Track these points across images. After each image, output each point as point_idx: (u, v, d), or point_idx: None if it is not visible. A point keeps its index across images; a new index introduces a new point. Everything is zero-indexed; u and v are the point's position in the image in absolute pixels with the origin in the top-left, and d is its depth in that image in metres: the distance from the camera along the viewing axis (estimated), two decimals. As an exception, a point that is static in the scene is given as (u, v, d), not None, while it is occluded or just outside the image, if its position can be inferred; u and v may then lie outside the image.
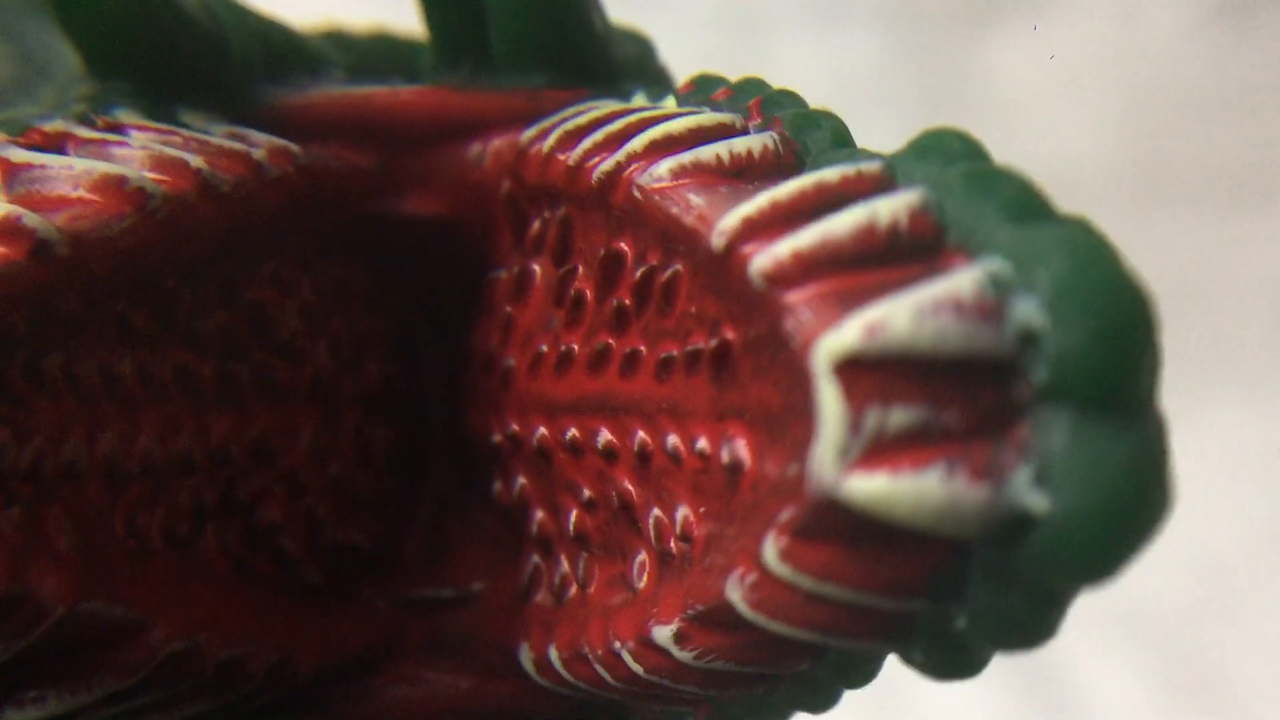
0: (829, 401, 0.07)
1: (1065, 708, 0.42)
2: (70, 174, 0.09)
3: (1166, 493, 0.07)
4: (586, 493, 0.11)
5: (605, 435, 0.10)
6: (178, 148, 0.10)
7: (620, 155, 0.10)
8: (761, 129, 0.10)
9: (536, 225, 0.11)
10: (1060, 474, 0.07)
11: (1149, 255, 0.52)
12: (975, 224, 0.08)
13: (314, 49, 0.12)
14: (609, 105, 0.11)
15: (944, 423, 0.07)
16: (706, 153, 0.09)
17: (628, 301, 0.10)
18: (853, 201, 0.08)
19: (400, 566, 0.12)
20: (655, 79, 0.12)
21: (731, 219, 0.08)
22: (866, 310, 0.07)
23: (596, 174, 0.10)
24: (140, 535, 0.11)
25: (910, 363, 0.07)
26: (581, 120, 0.10)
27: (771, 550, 0.08)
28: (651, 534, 0.10)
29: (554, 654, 0.11)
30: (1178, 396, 0.47)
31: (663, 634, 0.09)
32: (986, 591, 0.07)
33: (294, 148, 0.11)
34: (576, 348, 0.11)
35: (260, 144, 0.11)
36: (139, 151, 0.10)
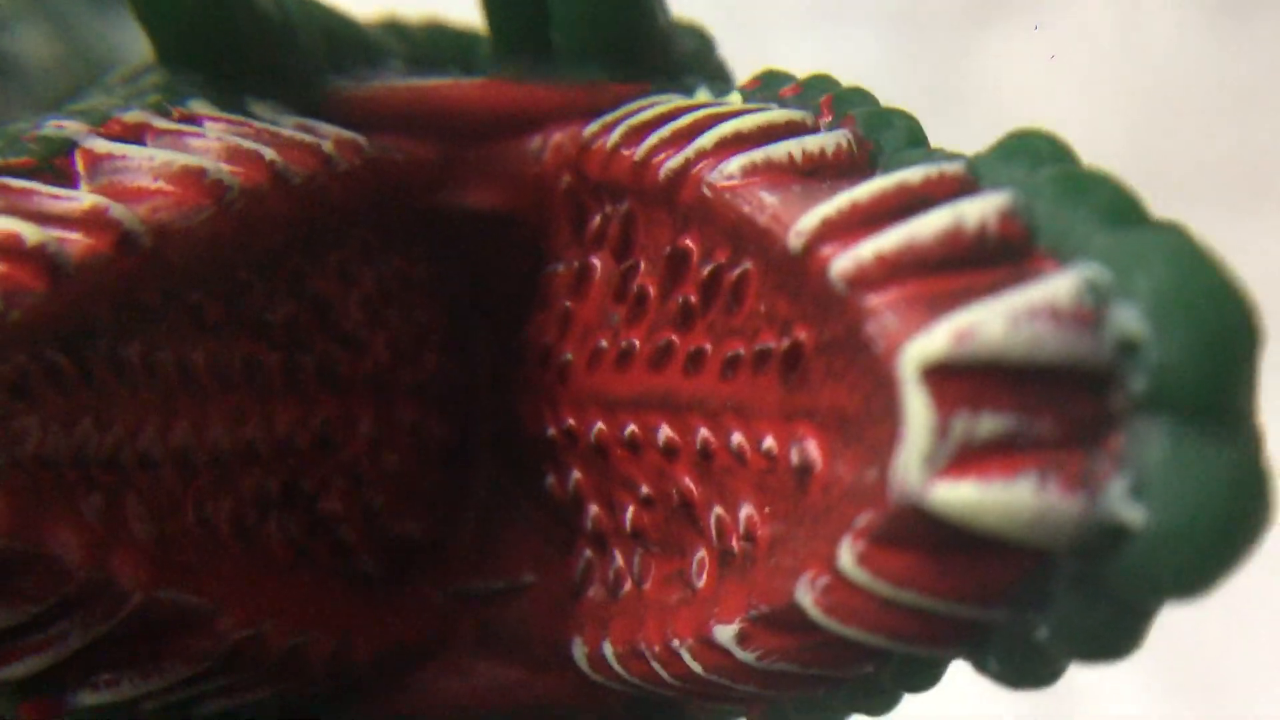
0: (915, 407, 0.07)
1: (1064, 706, 0.42)
2: (151, 165, 0.10)
3: (1268, 507, 0.07)
4: (645, 489, 0.11)
5: (666, 432, 0.10)
6: (252, 139, 0.10)
7: (689, 151, 0.10)
8: (833, 127, 0.10)
9: (597, 220, 0.11)
10: (1158, 486, 0.07)
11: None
12: (1067, 228, 0.07)
13: (374, 40, 0.12)
14: (674, 100, 0.11)
15: (1036, 431, 0.07)
16: (778, 150, 0.09)
17: (693, 299, 0.10)
18: (936, 203, 0.08)
19: (450, 558, 0.12)
20: (716, 74, 0.12)
21: (810, 219, 0.08)
22: (955, 315, 0.07)
23: (664, 170, 0.10)
24: (209, 524, 0.11)
25: (1002, 370, 0.07)
26: (647, 115, 0.10)
27: (848, 555, 0.07)
28: (713, 532, 0.10)
29: (609, 649, 0.11)
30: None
31: (724, 633, 0.09)
32: (1072, 602, 0.07)
33: (361, 140, 0.11)
34: (638, 344, 0.11)
35: (328, 136, 0.11)
36: (215, 143, 0.10)
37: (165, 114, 0.11)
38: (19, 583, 0.09)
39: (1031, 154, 0.08)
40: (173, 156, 0.10)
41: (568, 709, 0.11)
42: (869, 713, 0.10)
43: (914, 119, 0.10)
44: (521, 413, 0.12)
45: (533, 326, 0.12)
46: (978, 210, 0.08)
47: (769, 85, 0.11)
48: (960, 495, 0.07)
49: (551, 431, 0.12)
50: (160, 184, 0.10)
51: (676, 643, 0.10)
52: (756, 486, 0.09)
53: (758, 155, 0.09)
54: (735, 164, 0.09)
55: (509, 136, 0.11)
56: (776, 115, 0.10)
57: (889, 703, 0.10)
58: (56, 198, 0.09)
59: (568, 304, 0.11)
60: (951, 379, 0.07)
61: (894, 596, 0.07)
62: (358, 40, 0.12)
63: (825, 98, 0.10)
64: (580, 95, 0.11)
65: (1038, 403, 0.07)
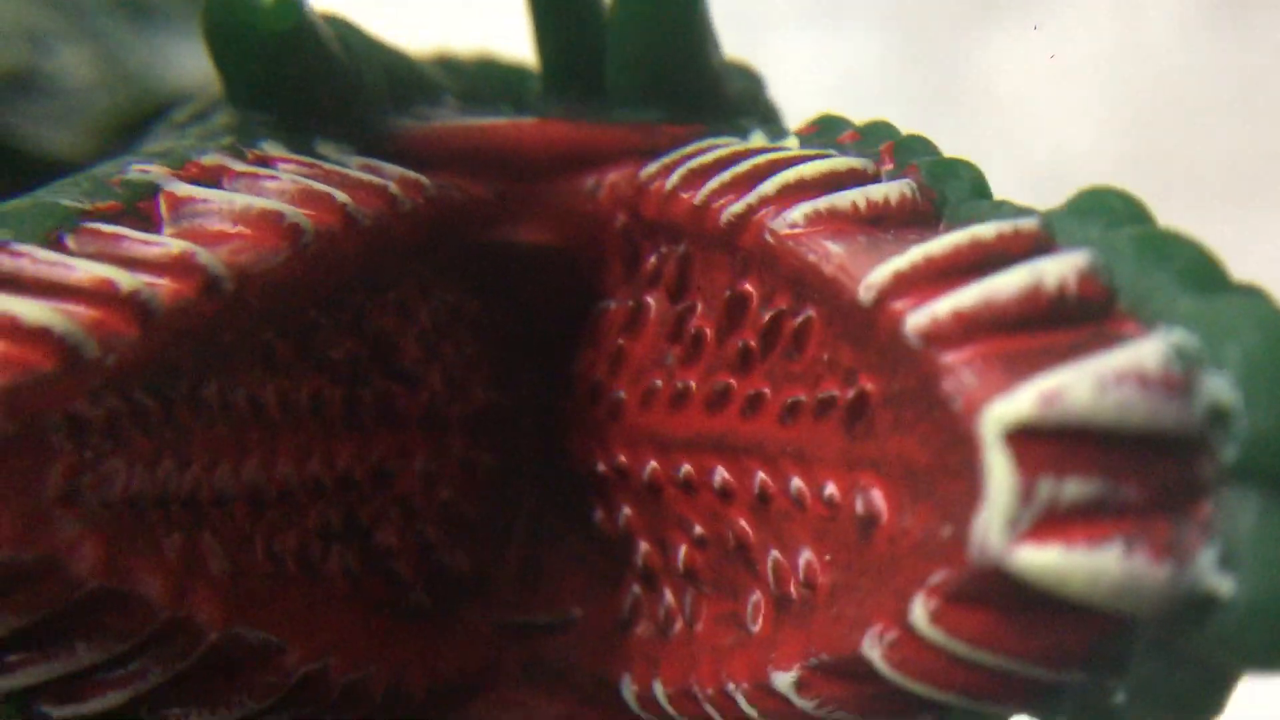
0: (998, 469, 0.07)
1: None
2: (230, 209, 0.10)
3: None
4: (698, 529, 0.11)
5: (722, 474, 0.10)
6: (322, 181, 0.10)
7: (751, 198, 0.10)
8: (895, 175, 0.10)
9: (652, 260, 0.11)
10: (1249, 557, 0.06)
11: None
12: (1149, 291, 0.07)
13: (430, 77, 0.12)
14: (731, 144, 0.11)
15: (1122, 497, 0.07)
16: (842, 199, 0.09)
17: (753, 343, 0.10)
18: (1010, 260, 0.08)
19: (497, 591, 0.12)
20: (766, 115, 0.12)
21: (882, 273, 0.08)
22: (1039, 378, 0.07)
23: (725, 215, 0.10)
24: (276, 559, 0.11)
25: (1088, 434, 0.07)
26: (706, 159, 0.10)
27: (921, 612, 0.07)
28: (770, 576, 0.10)
29: (659, 689, 0.10)
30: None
31: (783, 680, 0.09)
32: (1153, 667, 0.07)
33: (424, 180, 0.11)
34: (694, 385, 0.11)
35: (392, 176, 0.11)
36: (289, 185, 0.10)
37: (240, 156, 0.11)
38: (108, 621, 0.09)
39: (1108, 212, 0.08)
40: (250, 201, 0.10)
41: None
42: None
43: (978, 169, 0.10)
44: (569, 447, 0.12)
45: (583, 363, 0.12)
46: (1057, 269, 0.07)
47: (827, 131, 0.11)
48: (1044, 560, 0.07)
49: (602, 467, 0.12)
50: (239, 228, 0.10)
51: (731, 686, 0.10)
52: (816, 533, 0.09)
53: (821, 204, 0.09)
54: (799, 212, 0.09)
55: (564, 175, 0.12)
56: (839, 163, 0.10)
57: None
58: (146, 243, 0.10)
59: (620, 342, 0.11)
60: (1036, 442, 0.07)
61: (967, 655, 0.07)
62: (415, 78, 0.12)
63: (886, 145, 0.10)
64: (636, 136, 0.11)
65: (1125, 468, 0.07)
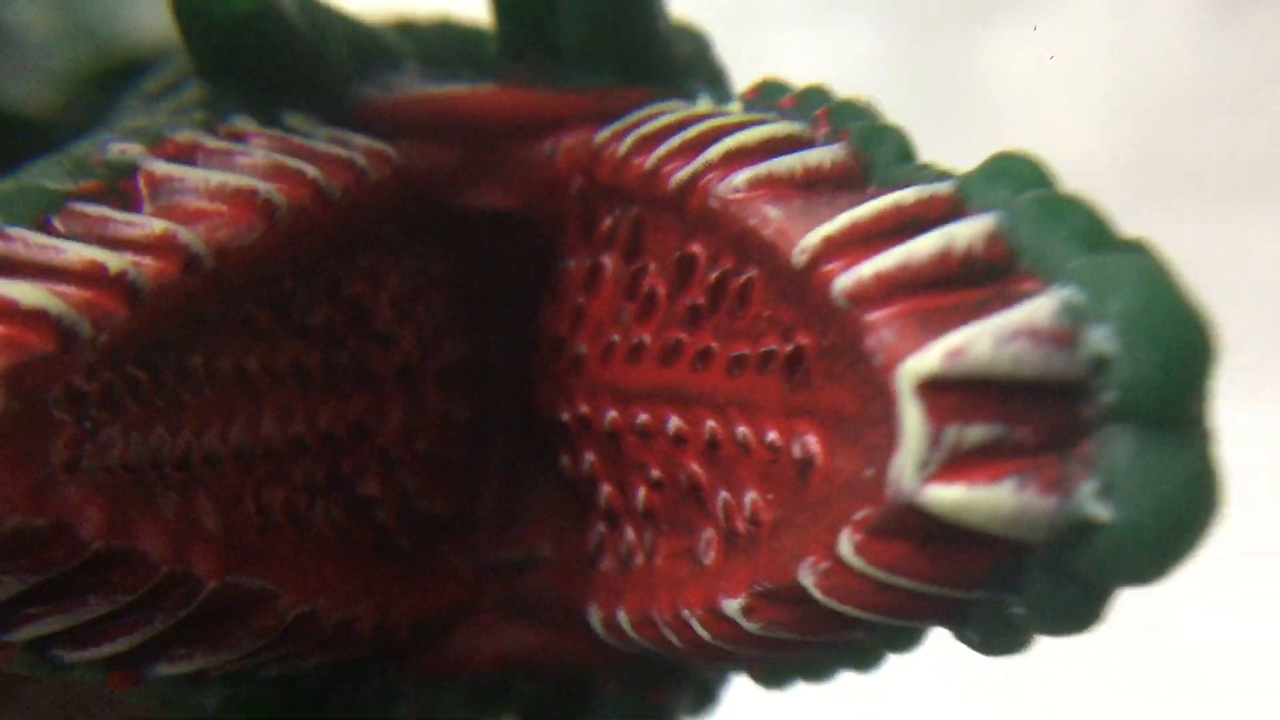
0: (911, 418, 0.08)
1: (1062, 705, 0.42)
2: (206, 187, 0.11)
3: (1218, 504, 0.08)
4: (655, 473, 0.12)
5: (675, 422, 0.11)
6: (293, 156, 0.11)
7: (697, 164, 0.10)
8: (830, 139, 0.10)
9: (608, 222, 0.12)
10: (1123, 487, 0.08)
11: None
12: (1047, 250, 0.08)
13: (391, 44, 0.13)
14: (679, 109, 0.12)
15: (1016, 439, 0.08)
16: (781, 165, 0.10)
17: (701, 301, 0.11)
18: (927, 223, 0.09)
19: (474, 532, 0.13)
20: (714, 76, 0.13)
21: (814, 238, 0.09)
22: (948, 335, 0.08)
23: (673, 181, 0.11)
24: (266, 512, 0.12)
25: (988, 384, 0.08)
26: (656, 125, 0.11)
27: (847, 544, 0.09)
28: (720, 514, 0.11)
29: (622, 617, 0.12)
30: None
31: (731, 606, 0.10)
32: (1043, 585, 0.08)
33: (389, 150, 0.12)
34: (649, 340, 0.11)
35: (359, 148, 0.12)
36: (261, 160, 0.11)
37: (213, 131, 0.11)
38: (113, 577, 0.10)
39: (1014, 176, 0.09)
40: (225, 178, 0.11)
41: (586, 666, 0.13)
42: (856, 670, 0.11)
43: (905, 134, 0.11)
44: (537, 397, 0.13)
45: (546, 318, 0.13)
46: (966, 233, 0.08)
47: (768, 95, 0.12)
48: (950, 496, 0.08)
49: (565, 416, 0.13)
50: (216, 205, 0.10)
51: (686, 613, 0.11)
52: (761, 475, 0.10)
53: (761, 169, 0.10)
54: (741, 177, 0.10)
55: (523, 140, 0.12)
56: (778, 129, 0.10)
57: (875, 663, 0.11)
58: (129, 224, 0.10)
59: (580, 299, 0.12)
60: (943, 393, 0.08)
61: (887, 580, 0.09)
62: (376, 46, 0.13)
63: (821, 110, 0.11)
64: (589, 101, 0.12)
65: (1019, 414, 0.08)
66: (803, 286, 0.09)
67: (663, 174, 0.11)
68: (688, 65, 0.13)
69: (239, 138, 0.11)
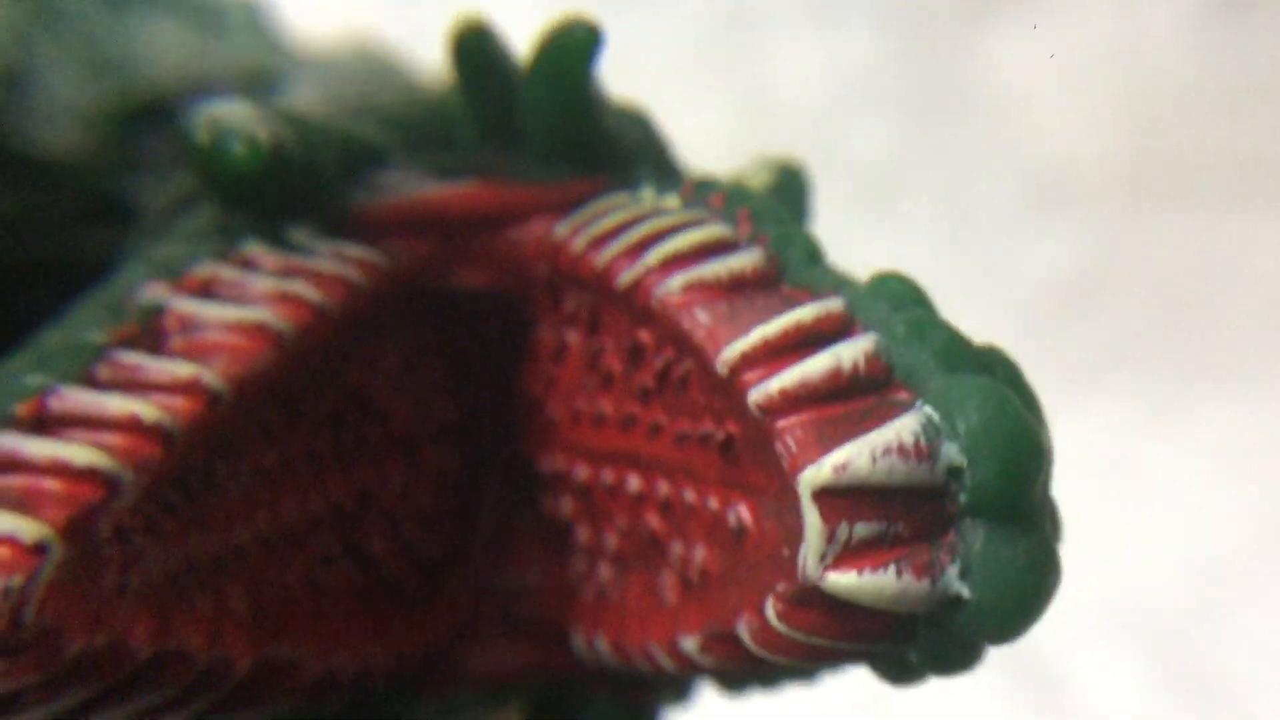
0: (811, 519, 0.10)
1: (1062, 706, 0.42)
2: (223, 322, 0.12)
3: (1056, 579, 0.10)
4: (621, 522, 0.13)
5: (635, 482, 0.13)
6: (297, 278, 0.13)
7: (639, 268, 0.12)
8: (750, 241, 0.12)
9: (570, 303, 0.14)
10: (978, 570, 0.10)
11: (1148, 253, 0.52)
12: (914, 367, 0.10)
13: (374, 144, 0.15)
14: (627, 205, 0.13)
15: (895, 532, 0.10)
16: (709, 271, 0.12)
17: (650, 383, 0.13)
18: (824, 338, 0.11)
19: (470, 565, 0.15)
20: (657, 156, 0.15)
21: (732, 352, 0.11)
22: (836, 451, 0.10)
23: (620, 281, 0.12)
24: (287, 587, 0.13)
25: (868, 490, 0.10)
26: (607, 224, 0.13)
27: (770, 611, 0.11)
28: (676, 563, 0.13)
29: (600, 644, 0.13)
30: (1176, 395, 0.47)
31: (688, 644, 0.12)
32: (929, 640, 0.10)
33: (379, 259, 0.13)
34: (609, 410, 0.13)
35: (353, 260, 0.13)
36: (269, 288, 0.13)
37: (227, 259, 0.13)
38: (160, 675, 0.11)
39: (891, 295, 0.11)
40: (240, 313, 0.12)
41: (576, 679, 0.14)
42: (798, 681, 0.13)
43: (812, 237, 0.12)
44: (521, 449, 0.15)
45: (525, 381, 0.15)
46: (851, 353, 0.10)
47: (700, 193, 0.13)
48: (845, 581, 0.10)
49: (545, 468, 0.14)
50: (232, 339, 0.12)
51: (652, 646, 0.13)
52: (707, 534, 0.12)
53: (693, 275, 0.12)
54: (676, 282, 0.12)
55: (494, 229, 0.14)
56: (708, 233, 0.12)
57: (811, 678, 0.13)
58: (160, 369, 0.12)
59: (551, 368, 0.14)
60: (835, 498, 0.10)
61: (805, 640, 0.11)
62: (362, 149, 0.14)
63: (743, 211, 0.13)
64: (549, 194, 0.14)
65: (896, 511, 0.10)
66: (727, 388, 0.11)
67: (612, 272, 0.12)
68: (634, 152, 0.14)
69: (250, 264, 0.13)
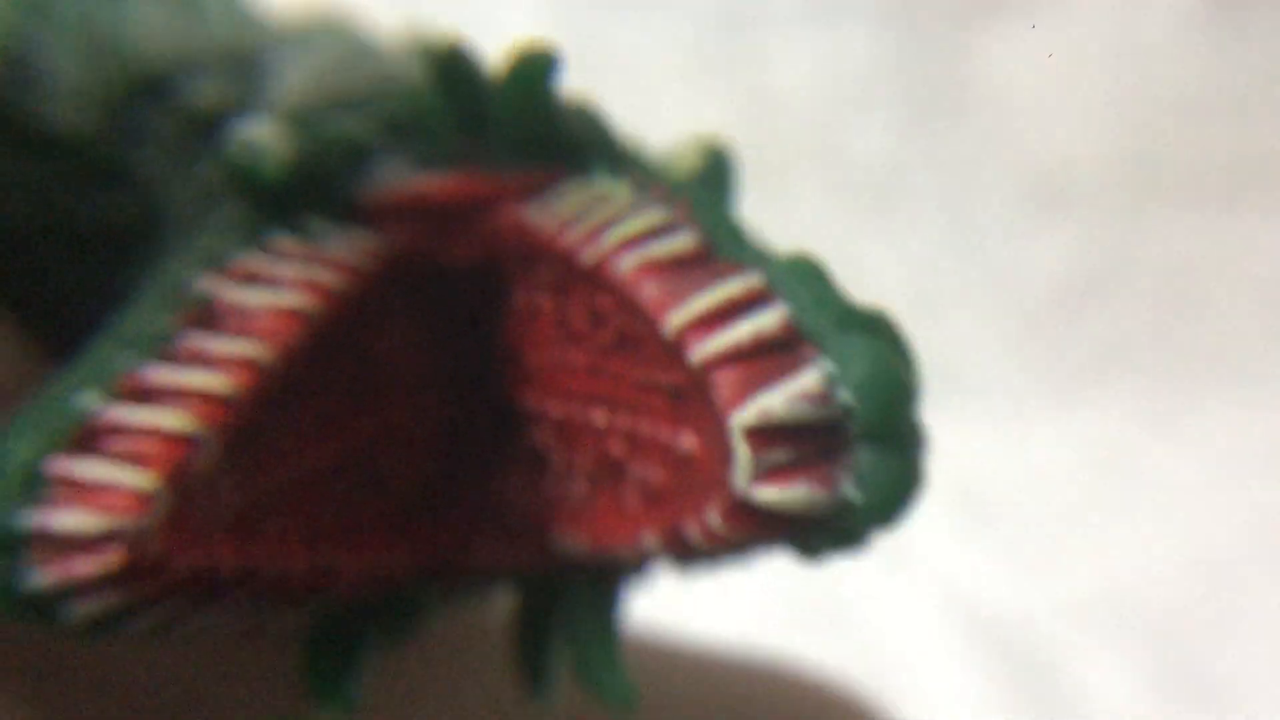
0: (741, 450, 0.13)
1: (1062, 704, 0.42)
2: (265, 307, 0.15)
3: (922, 481, 0.13)
4: (591, 450, 0.16)
5: (602, 418, 0.16)
6: (317, 266, 0.15)
7: (599, 248, 0.15)
8: (687, 225, 0.15)
9: (541, 274, 0.17)
10: (865, 480, 0.13)
11: (1147, 253, 0.52)
12: (817, 329, 0.13)
13: (367, 140, 0.17)
14: (584, 193, 0.16)
15: (804, 456, 0.13)
16: (654, 251, 0.15)
17: (610, 340, 0.16)
18: (749, 307, 0.14)
19: (469, 487, 0.18)
20: (607, 150, 0.17)
21: (676, 319, 0.14)
22: (758, 398, 0.13)
23: (584, 259, 0.15)
24: (329, 510, 0.16)
25: (785, 426, 0.13)
26: (569, 209, 0.16)
27: (711, 517, 0.14)
28: (636, 481, 0.16)
29: (576, 542, 0.16)
30: (1175, 395, 0.47)
31: (648, 541, 0.15)
32: (829, 532, 0.13)
33: (379, 243, 0.16)
34: (578, 362, 0.16)
35: (356, 245, 0.16)
36: (298, 274, 0.15)
37: (261, 249, 0.15)
38: (238, 585, 0.14)
39: (801, 273, 0.14)
40: (276, 299, 0.15)
41: (558, 568, 0.17)
42: (735, 565, 0.16)
43: (736, 220, 0.15)
44: (504, 392, 0.17)
45: (504, 337, 0.17)
46: (768, 320, 0.13)
47: (644, 183, 0.16)
48: (767, 495, 0.13)
49: (524, 407, 0.17)
50: (273, 322, 0.14)
51: (619, 545, 0.16)
52: (661, 457, 0.15)
53: (642, 254, 0.14)
54: (629, 260, 0.14)
55: (475, 212, 0.17)
56: (652, 218, 0.15)
57: (744, 562, 0.16)
58: (221, 349, 0.14)
59: (526, 325, 0.17)
60: (759, 432, 0.13)
61: (736, 537, 0.14)
62: (359, 147, 0.17)
63: (680, 200, 0.16)
64: (519, 182, 0.17)
65: (804, 442, 0.13)
66: (673, 348, 0.14)
67: (577, 251, 0.15)
68: (587, 145, 0.17)
69: (280, 253, 0.15)
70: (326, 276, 0.15)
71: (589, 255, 0.15)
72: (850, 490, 0.13)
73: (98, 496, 0.13)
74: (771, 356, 0.14)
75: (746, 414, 0.13)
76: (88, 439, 0.13)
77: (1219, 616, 0.44)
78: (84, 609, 0.13)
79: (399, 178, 0.16)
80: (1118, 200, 0.50)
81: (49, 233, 0.19)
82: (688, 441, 0.15)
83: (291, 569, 0.15)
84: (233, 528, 0.14)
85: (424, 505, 0.17)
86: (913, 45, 0.51)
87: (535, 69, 0.16)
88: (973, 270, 0.49)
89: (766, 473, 0.13)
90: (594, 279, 0.15)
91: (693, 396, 0.14)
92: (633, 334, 0.15)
